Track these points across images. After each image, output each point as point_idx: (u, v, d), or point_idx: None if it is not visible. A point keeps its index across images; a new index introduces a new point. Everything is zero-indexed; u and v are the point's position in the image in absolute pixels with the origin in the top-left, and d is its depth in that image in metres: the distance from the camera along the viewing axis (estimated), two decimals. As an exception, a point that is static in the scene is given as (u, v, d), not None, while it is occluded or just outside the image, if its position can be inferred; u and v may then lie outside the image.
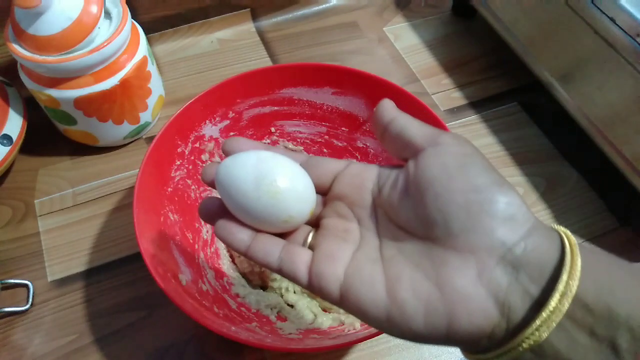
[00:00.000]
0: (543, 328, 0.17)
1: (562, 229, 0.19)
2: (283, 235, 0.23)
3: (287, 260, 0.22)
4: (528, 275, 0.17)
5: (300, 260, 0.22)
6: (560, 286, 0.17)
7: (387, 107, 0.23)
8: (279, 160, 0.23)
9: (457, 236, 0.18)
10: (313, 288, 0.21)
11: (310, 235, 0.23)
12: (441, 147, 0.20)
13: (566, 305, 0.17)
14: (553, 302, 0.17)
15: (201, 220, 0.24)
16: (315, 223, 0.24)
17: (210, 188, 0.42)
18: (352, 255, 0.21)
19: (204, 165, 0.42)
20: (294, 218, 0.23)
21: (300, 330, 0.36)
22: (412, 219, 0.20)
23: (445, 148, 0.20)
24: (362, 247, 0.22)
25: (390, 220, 0.21)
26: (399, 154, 0.22)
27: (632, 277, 0.18)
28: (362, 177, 0.23)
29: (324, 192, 0.24)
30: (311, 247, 0.23)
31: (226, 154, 0.24)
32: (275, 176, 0.22)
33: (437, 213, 0.19)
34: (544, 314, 0.17)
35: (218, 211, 0.23)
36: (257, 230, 0.23)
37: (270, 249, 0.22)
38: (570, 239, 0.18)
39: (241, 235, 0.23)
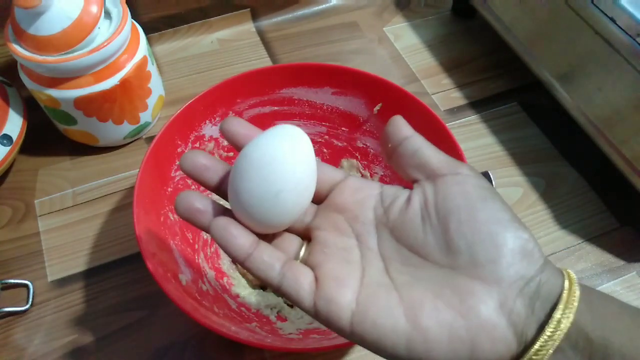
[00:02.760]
0: (542, 352, 0.18)
1: (563, 268, 0.20)
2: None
3: (290, 278, 0.20)
4: (541, 307, 0.18)
5: (305, 280, 0.20)
6: (557, 314, 0.18)
7: (402, 124, 0.22)
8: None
9: (482, 266, 0.19)
10: (318, 313, 0.20)
11: (303, 248, 0.22)
12: (461, 177, 0.21)
13: (561, 331, 0.18)
14: (549, 329, 0.18)
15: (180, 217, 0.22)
16: (304, 233, 0.23)
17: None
18: (360, 279, 0.20)
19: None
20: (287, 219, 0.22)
21: (300, 330, 0.36)
22: (431, 244, 0.20)
23: (465, 178, 0.20)
24: (367, 270, 0.21)
25: (400, 243, 0.21)
26: (409, 173, 0.22)
27: (622, 311, 0.19)
28: (364, 193, 0.23)
29: (318, 201, 0.23)
30: (305, 262, 0.22)
31: (227, 136, 0.23)
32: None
33: (461, 241, 0.19)
34: (541, 339, 0.18)
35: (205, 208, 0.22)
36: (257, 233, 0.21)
37: (272, 262, 0.21)
38: (570, 275, 0.19)
39: (242, 241, 0.21)
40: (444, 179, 0.21)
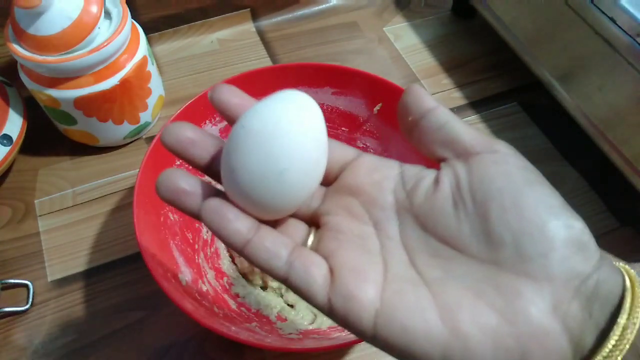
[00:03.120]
0: None
1: (620, 264, 0.18)
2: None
3: (299, 268, 0.17)
4: (600, 310, 0.16)
5: (317, 271, 0.17)
6: (622, 319, 0.15)
7: (423, 94, 0.19)
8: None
9: (530, 260, 0.16)
10: (334, 310, 0.17)
11: (311, 236, 0.20)
12: (500, 156, 0.18)
13: (628, 340, 0.15)
14: (614, 337, 0.15)
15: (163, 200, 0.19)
16: (311, 220, 0.20)
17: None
18: (383, 273, 0.17)
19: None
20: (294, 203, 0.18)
21: (300, 330, 0.36)
22: (467, 234, 0.17)
23: (505, 157, 0.18)
24: (389, 262, 0.18)
25: (427, 231, 0.18)
26: (434, 151, 0.19)
27: None
28: (381, 173, 0.20)
29: (326, 182, 0.20)
30: (314, 251, 0.19)
31: (217, 106, 0.20)
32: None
33: (505, 231, 0.16)
34: (605, 349, 0.15)
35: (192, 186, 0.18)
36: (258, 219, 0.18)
37: (276, 249, 0.18)
38: (630, 272, 0.17)
39: (238, 225, 0.18)
40: (478, 157, 0.18)
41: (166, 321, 0.38)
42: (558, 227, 0.16)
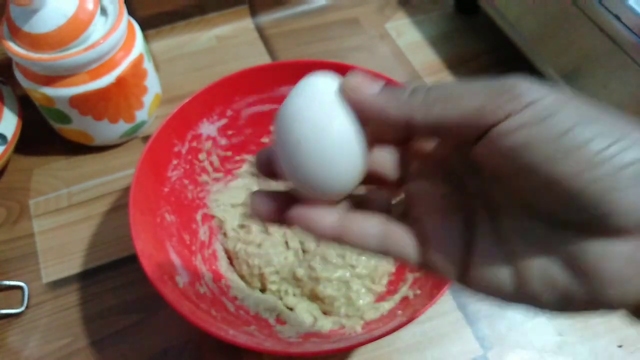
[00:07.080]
0: None
1: None
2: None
3: (390, 244, 0.19)
4: None
5: (406, 242, 0.19)
6: None
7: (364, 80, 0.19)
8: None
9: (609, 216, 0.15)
10: (426, 270, 0.19)
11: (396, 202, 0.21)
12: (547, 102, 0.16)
13: None
14: None
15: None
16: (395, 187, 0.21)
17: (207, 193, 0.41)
18: (463, 229, 0.18)
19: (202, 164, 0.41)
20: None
21: (299, 333, 0.35)
22: (526, 190, 0.16)
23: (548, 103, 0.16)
24: (470, 218, 0.18)
25: (495, 182, 0.18)
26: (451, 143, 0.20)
27: None
28: None
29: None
30: (400, 218, 0.20)
31: None
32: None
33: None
34: None
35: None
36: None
37: (363, 232, 0.19)
38: None
39: (326, 222, 0.19)
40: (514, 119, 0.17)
41: (163, 324, 0.37)
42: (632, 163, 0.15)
